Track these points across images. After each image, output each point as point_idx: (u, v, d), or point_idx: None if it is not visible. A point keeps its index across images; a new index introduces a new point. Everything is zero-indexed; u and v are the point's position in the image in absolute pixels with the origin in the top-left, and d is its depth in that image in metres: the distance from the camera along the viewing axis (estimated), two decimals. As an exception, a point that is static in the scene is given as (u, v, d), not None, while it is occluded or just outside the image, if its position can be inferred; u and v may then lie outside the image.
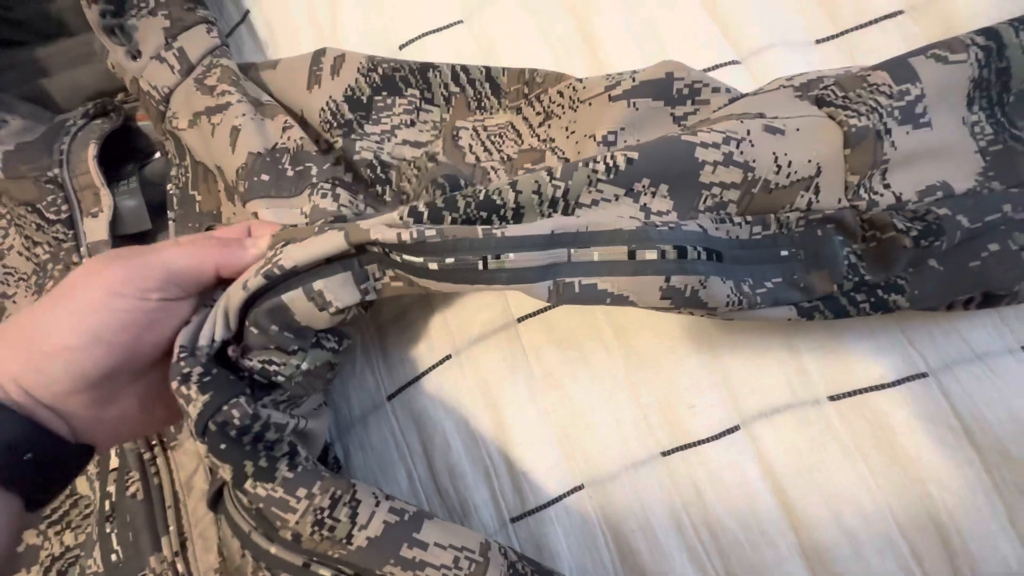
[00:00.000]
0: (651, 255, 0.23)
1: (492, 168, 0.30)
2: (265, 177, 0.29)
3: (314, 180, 0.29)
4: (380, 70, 0.33)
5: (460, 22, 0.36)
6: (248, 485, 0.24)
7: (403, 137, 0.32)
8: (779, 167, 0.25)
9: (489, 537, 0.26)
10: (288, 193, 0.29)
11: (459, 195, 0.24)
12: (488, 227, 0.23)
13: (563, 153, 0.30)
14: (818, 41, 0.32)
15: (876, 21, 0.31)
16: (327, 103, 0.32)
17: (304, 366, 0.26)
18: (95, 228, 0.33)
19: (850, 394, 0.28)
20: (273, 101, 0.32)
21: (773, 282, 0.25)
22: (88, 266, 0.23)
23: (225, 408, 0.23)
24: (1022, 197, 0.25)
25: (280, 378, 0.26)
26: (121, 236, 0.34)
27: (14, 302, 0.34)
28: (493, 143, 0.31)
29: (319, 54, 0.33)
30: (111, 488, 0.31)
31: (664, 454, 0.29)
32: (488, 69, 0.32)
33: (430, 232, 0.23)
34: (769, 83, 0.29)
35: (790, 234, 0.26)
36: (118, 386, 0.23)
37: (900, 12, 0.30)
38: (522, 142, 0.31)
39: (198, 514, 0.31)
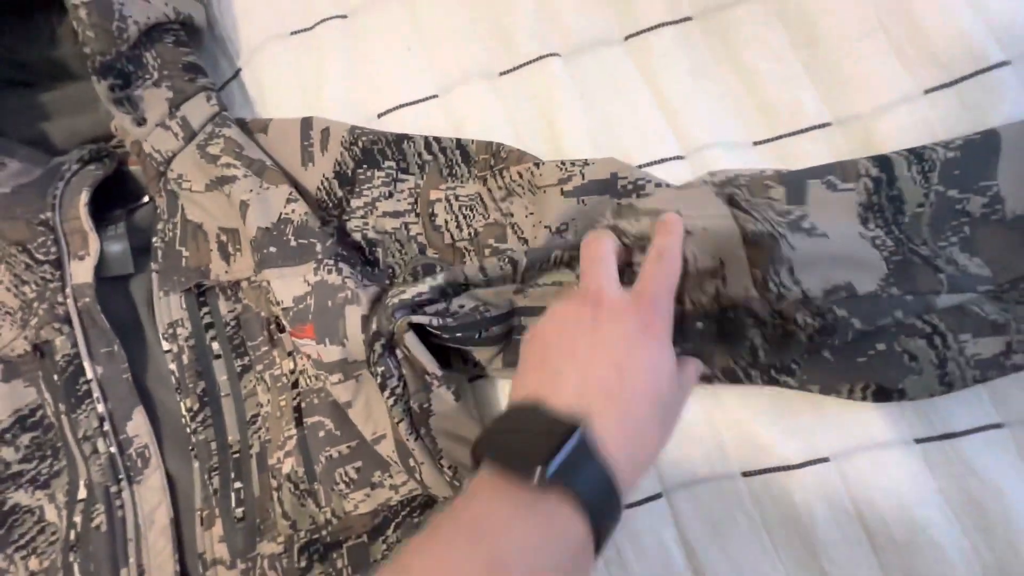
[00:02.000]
0: None
1: (465, 249, 0.34)
2: (272, 249, 0.33)
3: (319, 256, 0.32)
4: (360, 143, 0.36)
5: (435, 96, 0.39)
6: None
7: (383, 209, 0.35)
8: (687, 261, 0.29)
9: None
10: (293, 262, 0.32)
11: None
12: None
13: (522, 232, 0.34)
14: (755, 143, 0.35)
15: (807, 130, 0.34)
16: (321, 182, 0.35)
17: None
18: (81, 271, 0.35)
19: (760, 472, 0.31)
20: (275, 167, 0.35)
21: (683, 347, 0.30)
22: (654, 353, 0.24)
23: None
24: (914, 304, 0.28)
25: None
26: (104, 278, 0.36)
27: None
28: (465, 217, 0.35)
29: (307, 125, 0.36)
30: (77, 518, 0.33)
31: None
32: (459, 140, 0.35)
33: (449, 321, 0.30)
34: (696, 178, 0.32)
35: (704, 311, 0.30)
36: None
37: (828, 124, 0.34)
38: (488, 215, 0.35)
39: (157, 548, 0.33)
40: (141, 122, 0.35)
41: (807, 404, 0.31)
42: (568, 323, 0.25)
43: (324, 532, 0.31)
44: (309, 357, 0.31)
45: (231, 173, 0.34)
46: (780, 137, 0.34)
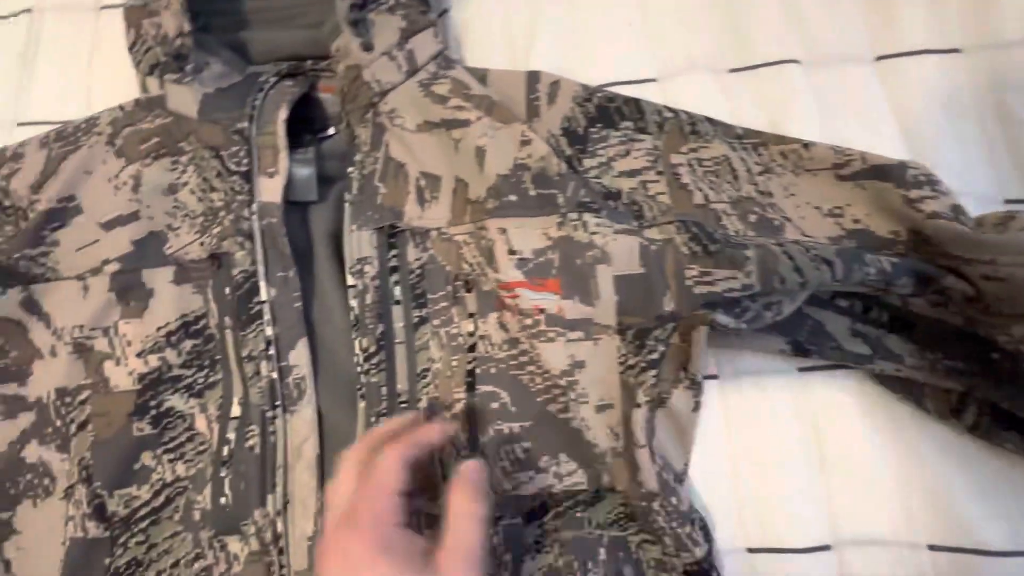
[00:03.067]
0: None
1: (724, 212, 0.32)
2: (513, 198, 0.32)
3: (563, 209, 0.32)
4: (595, 99, 0.34)
5: (653, 80, 0.37)
6: None
7: (619, 169, 0.34)
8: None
9: None
10: (533, 213, 0.32)
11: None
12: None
13: (783, 212, 0.32)
14: (1007, 201, 0.32)
15: None
16: (548, 139, 0.34)
17: None
18: (269, 188, 0.34)
19: (952, 549, 0.29)
20: (503, 103, 0.34)
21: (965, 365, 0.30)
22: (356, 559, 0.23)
23: None
24: None
25: None
26: (287, 201, 0.35)
27: (177, 235, 0.36)
28: (714, 183, 0.33)
29: (534, 78, 0.35)
30: (231, 435, 0.33)
31: (750, 550, 0.30)
32: None
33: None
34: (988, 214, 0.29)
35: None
36: None
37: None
38: (739, 186, 0.33)
39: (303, 480, 0.32)
40: (368, 47, 0.34)
41: (1013, 489, 0.29)
42: None
43: (481, 505, 0.30)
44: (543, 311, 0.30)
45: (463, 116, 0.33)
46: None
